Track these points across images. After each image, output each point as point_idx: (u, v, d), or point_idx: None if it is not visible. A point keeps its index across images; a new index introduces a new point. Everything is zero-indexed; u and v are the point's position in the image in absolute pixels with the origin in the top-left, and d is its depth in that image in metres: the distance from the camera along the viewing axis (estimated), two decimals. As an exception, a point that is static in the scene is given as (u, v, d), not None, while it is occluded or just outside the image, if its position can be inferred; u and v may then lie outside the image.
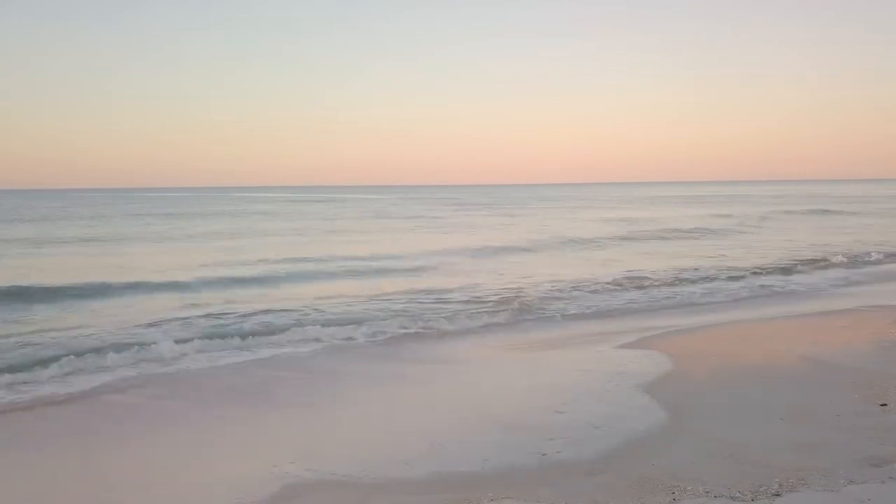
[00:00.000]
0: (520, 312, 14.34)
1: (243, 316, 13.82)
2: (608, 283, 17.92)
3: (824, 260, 22.58)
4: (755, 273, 19.99)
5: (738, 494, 5.23)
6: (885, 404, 7.29)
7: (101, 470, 6.39)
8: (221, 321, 13.36)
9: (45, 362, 10.11)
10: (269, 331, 12.47)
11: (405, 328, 12.90)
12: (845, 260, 22.53)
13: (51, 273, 20.48)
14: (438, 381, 9.34)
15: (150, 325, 12.98)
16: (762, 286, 17.73)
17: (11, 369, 9.76)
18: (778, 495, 5.18)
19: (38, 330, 12.65)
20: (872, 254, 23.96)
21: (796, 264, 21.60)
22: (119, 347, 10.89)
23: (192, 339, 11.49)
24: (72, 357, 10.30)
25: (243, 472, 6.11)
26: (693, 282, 18.34)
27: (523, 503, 5.29)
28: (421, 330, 12.85)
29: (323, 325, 12.69)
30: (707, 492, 5.31)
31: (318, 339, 11.89)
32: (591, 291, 16.91)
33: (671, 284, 18.01)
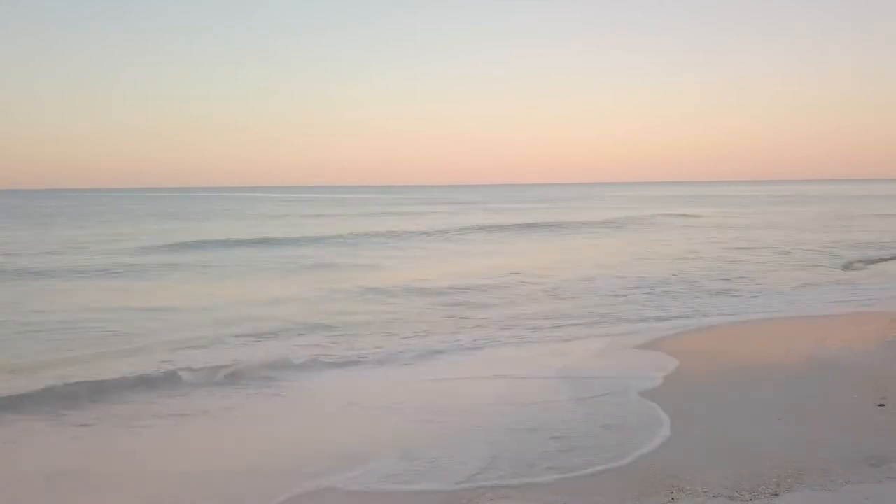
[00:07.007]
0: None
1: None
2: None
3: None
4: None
5: (736, 494, 5.26)
6: (884, 404, 7.31)
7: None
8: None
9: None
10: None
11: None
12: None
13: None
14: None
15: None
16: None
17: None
18: (776, 495, 5.21)
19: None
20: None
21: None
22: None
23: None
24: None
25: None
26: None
27: (523, 502, 5.32)
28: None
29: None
30: (705, 491, 5.33)
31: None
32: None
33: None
